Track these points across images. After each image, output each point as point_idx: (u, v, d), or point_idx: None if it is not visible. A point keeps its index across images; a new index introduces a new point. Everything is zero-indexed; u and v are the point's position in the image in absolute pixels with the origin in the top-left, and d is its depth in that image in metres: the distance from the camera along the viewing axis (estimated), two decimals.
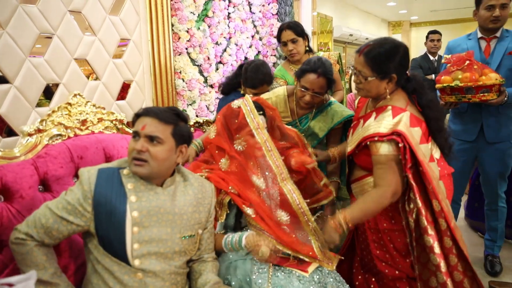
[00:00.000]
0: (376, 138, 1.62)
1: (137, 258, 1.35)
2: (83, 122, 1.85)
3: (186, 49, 2.75)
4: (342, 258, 1.74)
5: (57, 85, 1.99)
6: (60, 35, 1.98)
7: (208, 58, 2.94)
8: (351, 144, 1.79)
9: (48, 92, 1.97)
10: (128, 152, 1.41)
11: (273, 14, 3.52)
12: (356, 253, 1.97)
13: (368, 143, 1.65)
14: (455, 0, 8.35)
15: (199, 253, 1.55)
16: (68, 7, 2.01)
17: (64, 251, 1.51)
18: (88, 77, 2.15)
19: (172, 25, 2.63)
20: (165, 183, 1.46)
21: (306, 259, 1.66)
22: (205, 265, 1.54)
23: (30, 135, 1.66)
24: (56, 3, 1.95)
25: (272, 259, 1.54)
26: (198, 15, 2.83)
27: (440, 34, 4.85)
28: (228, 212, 1.68)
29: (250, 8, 3.35)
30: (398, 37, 10.63)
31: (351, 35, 8.41)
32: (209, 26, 2.94)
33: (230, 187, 1.67)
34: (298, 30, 2.65)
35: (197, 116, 2.87)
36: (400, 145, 1.58)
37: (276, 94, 2.26)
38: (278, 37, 2.73)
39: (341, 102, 2.64)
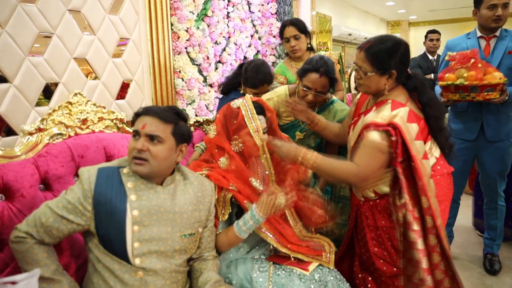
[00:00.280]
0: (371, 128, 1.63)
1: (137, 257, 1.35)
2: (84, 121, 1.85)
3: (186, 48, 2.75)
4: (335, 250, 1.78)
5: (56, 84, 1.99)
6: (60, 35, 1.98)
7: (208, 58, 2.94)
8: (352, 140, 1.80)
9: (48, 92, 1.97)
10: (128, 151, 1.41)
11: (272, 14, 3.52)
12: (356, 252, 1.97)
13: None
14: None
15: (199, 251, 1.55)
16: (68, 6, 2.00)
17: (65, 250, 1.51)
18: (87, 76, 2.15)
19: (172, 25, 2.63)
20: (165, 181, 1.46)
21: (305, 259, 1.67)
22: (205, 263, 1.54)
23: (30, 134, 1.66)
24: (56, 2, 1.95)
25: (289, 206, 1.63)
26: (198, 14, 2.83)
27: (439, 34, 4.86)
28: (230, 210, 1.68)
29: (249, 8, 3.35)
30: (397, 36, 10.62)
31: (350, 34, 8.41)
32: (208, 26, 2.93)
33: (230, 184, 1.67)
34: (301, 27, 2.67)
35: (196, 115, 2.87)
36: (393, 138, 1.58)
37: (277, 93, 2.26)
38: (281, 33, 2.74)
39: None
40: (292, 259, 1.66)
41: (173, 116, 1.44)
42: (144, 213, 1.38)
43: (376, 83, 1.69)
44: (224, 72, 3.08)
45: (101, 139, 1.82)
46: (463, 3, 8.24)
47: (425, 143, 1.72)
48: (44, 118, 1.72)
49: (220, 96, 2.75)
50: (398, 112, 1.62)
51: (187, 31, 2.73)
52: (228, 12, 3.14)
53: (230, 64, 3.16)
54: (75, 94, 1.84)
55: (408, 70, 1.76)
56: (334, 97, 2.28)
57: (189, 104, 2.83)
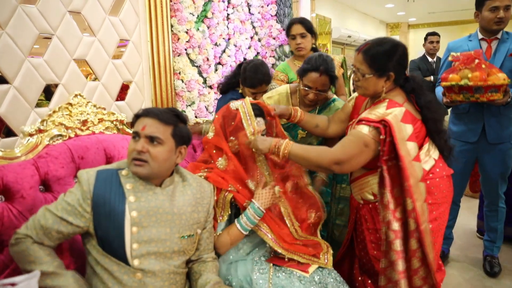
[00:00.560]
0: (363, 122, 1.63)
1: (136, 258, 1.35)
2: (84, 122, 1.85)
3: (185, 50, 2.75)
4: (332, 252, 1.77)
5: (56, 85, 1.99)
6: (60, 36, 1.98)
7: (207, 59, 2.95)
8: None
9: (48, 93, 1.97)
10: (128, 153, 1.41)
11: (272, 16, 3.53)
12: (356, 255, 1.97)
13: None
14: (453, 2, 8.37)
15: (198, 253, 1.55)
16: (68, 7, 2.01)
17: (65, 251, 1.51)
18: (87, 78, 2.15)
19: (172, 26, 2.63)
20: (164, 183, 1.46)
21: (301, 260, 1.66)
22: (204, 265, 1.54)
23: (30, 135, 1.66)
24: (56, 4, 1.95)
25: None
26: (198, 16, 2.83)
27: (439, 36, 4.87)
28: (230, 212, 1.68)
29: (249, 10, 3.35)
30: (396, 38, 10.62)
31: (349, 36, 8.42)
32: (208, 27, 2.94)
33: (230, 185, 1.67)
34: (308, 26, 2.70)
35: (196, 117, 2.87)
36: (382, 137, 1.58)
37: (279, 92, 2.27)
38: (288, 31, 2.75)
39: None
40: (286, 259, 1.66)
41: (173, 118, 1.45)
42: (143, 214, 1.38)
43: (374, 85, 1.70)
44: (224, 74, 3.08)
45: (101, 140, 1.82)
46: (463, 6, 8.25)
47: (422, 145, 1.71)
48: (44, 119, 1.72)
49: (219, 96, 2.76)
50: (393, 111, 1.62)
51: (187, 32, 2.74)
52: (228, 14, 3.14)
53: (230, 65, 3.16)
54: (75, 95, 1.84)
55: (407, 72, 1.76)
56: (335, 96, 2.28)
57: (189, 105, 2.83)
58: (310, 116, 2.06)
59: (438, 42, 4.85)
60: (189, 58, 2.79)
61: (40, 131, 1.68)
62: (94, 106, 1.90)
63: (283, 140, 1.70)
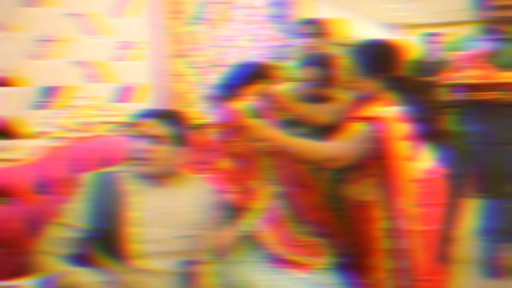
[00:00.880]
0: (357, 119, 1.63)
1: (136, 258, 1.35)
2: (86, 124, 1.86)
3: (187, 51, 2.75)
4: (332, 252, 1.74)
5: (58, 87, 2.00)
6: (62, 38, 1.99)
7: (208, 61, 2.95)
8: None
9: (49, 95, 1.98)
10: (130, 153, 1.43)
11: (273, 17, 3.53)
12: (355, 254, 1.96)
13: None
14: (455, 2, 8.37)
15: (198, 253, 1.55)
16: (70, 9, 2.01)
17: None
18: (89, 80, 2.15)
19: (173, 28, 2.63)
20: (165, 183, 1.47)
21: (301, 260, 1.66)
22: (204, 266, 1.54)
23: (32, 137, 1.66)
24: (58, 6, 1.96)
25: None
26: (198, 17, 2.84)
27: (439, 36, 4.87)
28: (231, 213, 1.68)
29: (251, 11, 3.35)
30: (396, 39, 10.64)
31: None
32: (209, 29, 2.94)
33: (231, 186, 1.67)
34: None
35: (197, 118, 2.87)
36: (373, 134, 1.58)
37: None
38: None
39: None
40: (287, 259, 1.66)
41: (174, 118, 1.47)
42: (144, 215, 1.39)
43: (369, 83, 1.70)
44: (225, 75, 3.08)
45: (103, 142, 1.82)
46: (465, 6, 8.24)
47: (418, 145, 1.71)
48: (45, 121, 1.72)
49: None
50: (390, 109, 1.62)
51: (188, 34, 2.74)
52: (229, 15, 3.14)
53: (231, 66, 3.16)
54: (77, 98, 1.85)
55: (406, 73, 1.76)
56: None
57: (190, 106, 2.84)
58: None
59: (439, 42, 4.86)
60: (190, 59, 2.79)
61: (41, 133, 1.69)
62: (96, 108, 1.91)
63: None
